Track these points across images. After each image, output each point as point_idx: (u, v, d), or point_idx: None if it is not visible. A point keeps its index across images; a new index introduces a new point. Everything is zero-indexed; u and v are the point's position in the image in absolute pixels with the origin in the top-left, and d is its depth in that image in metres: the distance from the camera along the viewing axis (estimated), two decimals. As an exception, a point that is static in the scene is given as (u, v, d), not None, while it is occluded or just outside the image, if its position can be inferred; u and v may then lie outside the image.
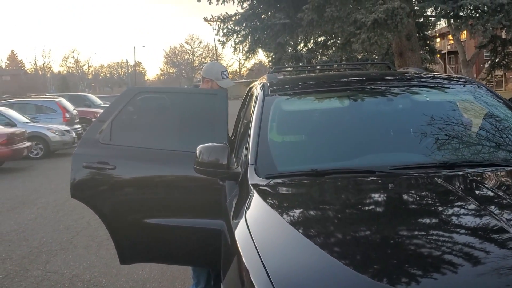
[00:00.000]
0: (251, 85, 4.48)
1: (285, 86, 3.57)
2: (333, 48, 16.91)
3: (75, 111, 20.68)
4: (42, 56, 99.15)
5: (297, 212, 2.22)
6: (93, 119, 23.31)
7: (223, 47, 19.96)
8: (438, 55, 28.34)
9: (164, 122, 4.04)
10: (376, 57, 16.73)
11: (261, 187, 2.45)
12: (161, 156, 3.78)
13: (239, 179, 2.73)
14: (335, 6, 11.89)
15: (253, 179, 2.55)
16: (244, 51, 15.50)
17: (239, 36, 15.21)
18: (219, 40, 15.44)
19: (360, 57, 16.34)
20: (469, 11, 10.74)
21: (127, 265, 5.40)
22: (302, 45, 16.77)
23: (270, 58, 17.76)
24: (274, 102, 3.18)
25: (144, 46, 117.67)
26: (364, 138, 2.92)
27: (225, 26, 15.67)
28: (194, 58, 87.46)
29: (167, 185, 3.83)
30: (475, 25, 10.63)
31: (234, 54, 18.91)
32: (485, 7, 10.31)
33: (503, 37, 14.57)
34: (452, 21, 11.85)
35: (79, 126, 20.21)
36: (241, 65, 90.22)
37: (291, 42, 14.80)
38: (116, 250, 3.97)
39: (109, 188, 3.85)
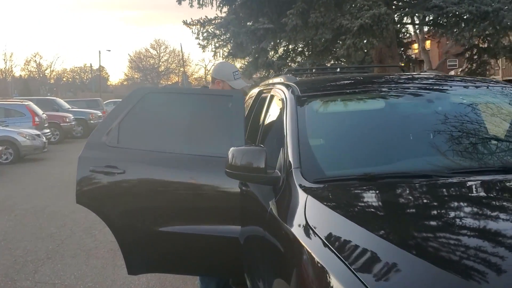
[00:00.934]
0: (262, 88, 4.29)
1: (316, 88, 3.44)
2: (306, 55, 16.82)
3: (44, 115, 20.05)
4: (4, 60, 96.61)
5: (368, 216, 2.06)
6: (62, 124, 22.72)
7: (203, 51, 19.79)
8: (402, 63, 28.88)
9: (176, 124, 3.88)
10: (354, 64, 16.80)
11: (315, 191, 2.29)
12: (174, 160, 3.64)
13: (280, 183, 2.61)
14: (319, 12, 11.87)
15: (302, 183, 2.43)
16: (224, 56, 15.31)
17: (220, 40, 15.05)
18: (199, 43, 15.25)
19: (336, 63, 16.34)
20: (454, 18, 10.83)
21: (122, 275, 5.17)
22: (272, 52, 16.61)
23: (244, 64, 17.62)
24: (308, 104, 3.05)
25: (109, 51, 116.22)
26: (413, 141, 2.79)
27: (205, 30, 15.52)
28: (160, 63, 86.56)
29: (180, 191, 3.65)
30: (460, 32, 10.75)
31: (214, 58, 18.57)
32: (470, 14, 10.41)
33: (480, 46, 14.81)
34: (434, 28, 11.93)
35: (48, 130, 19.60)
36: (207, 71, 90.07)
37: (276, 47, 14.69)
38: (124, 259, 3.81)
39: (119, 193, 3.69)
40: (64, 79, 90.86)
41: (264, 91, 4.13)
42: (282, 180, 2.61)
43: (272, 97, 3.67)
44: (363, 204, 2.26)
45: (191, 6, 13.79)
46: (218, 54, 15.04)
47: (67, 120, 23.20)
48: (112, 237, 4.26)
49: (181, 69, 79.76)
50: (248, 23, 12.91)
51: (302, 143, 2.71)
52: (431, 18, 11.65)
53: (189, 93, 4.34)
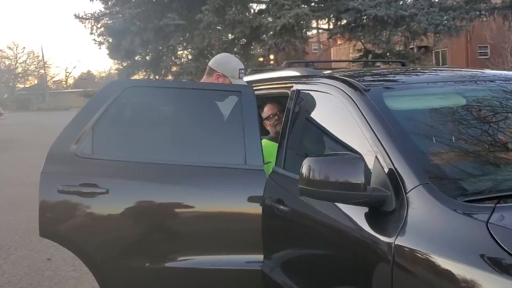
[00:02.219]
0: (270, 86, 3.60)
1: (382, 83, 2.98)
2: (188, 57, 16.27)
3: None
4: None
5: None
6: None
7: (100, 48, 18.08)
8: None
9: (169, 127, 3.25)
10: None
11: (491, 215, 1.74)
12: (173, 174, 2.91)
13: (393, 205, 2.01)
14: (237, 9, 11.48)
15: (453, 205, 1.86)
16: (122, 53, 14.15)
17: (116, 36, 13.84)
18: (94, 40, 13.96)
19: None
20: (372, 22, 11.09)
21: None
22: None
23: (122, 66, 16.41)
24: (384, 98, 2.50)
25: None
26: None
27: (100, 25, 14.26)
28: (17, 64, 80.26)
29: (184, 214, 2.95)
30: (378, 35, 11.04)
31: (110, 57, 16.90)
32: (389, 18, 10.72)
33: (375, 51, 15.44)
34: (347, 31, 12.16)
35: None
36: (67, 74, 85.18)
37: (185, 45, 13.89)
38: None
39: (101, 221, 2.93)
40: None
41: (282, 88, 3.35)
42: (397, 201, 2.01)
43: (308, 94, 3.02)
44: None
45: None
46: (113, 49, 13.81)
47: None
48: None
49: (41, 71, 74.62)
50: (156, 22, 11.97)
51: (411, 150, 2.17)
52: (344, 21, 11.82)
53: (184, 87, 3.53)
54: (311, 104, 3.02)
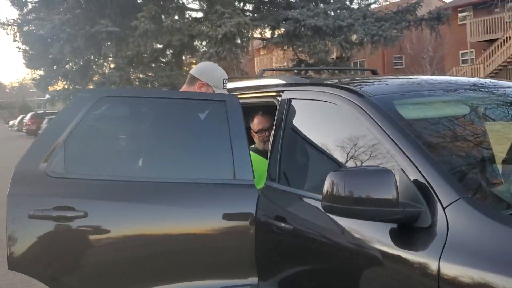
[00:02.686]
0: (258, 95, 3.38)
1: (391, 91, 2.82)
2: (111, 66, 15.82)
3: None
4: None
5: None
6: None
7: (25, 56, 16.45)
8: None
9: (151, 140, 2.97)
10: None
11: None
12: (159, 193, 2.69)
13: (430, 222, 1.90)
14: (174, 17, 11.26)
15: (496, 218, 1.82)
16: (47, 61, 13.44)
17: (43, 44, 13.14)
18: (18, 48, 13.13)
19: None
20: (310, 32, 11.28)
21: None
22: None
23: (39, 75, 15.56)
24: (396, 107, 2.37)
25: None
26: None
27: (24, 31, 13.43)
28: None
29: (175, 236, 2.69)
30: (317, 45, 11.25)
31: (27, 66, 15.62)
32: (327, 28, 10.96)
33: (308, 61, 15.78)
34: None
35: None
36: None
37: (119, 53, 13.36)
38: None
39: (80, 248, 2.62)
40: None
41: (268, 97, 3.13)
42: (433, 217, 1.89)
43: (302, 103, 2.85)
44: None
45: None
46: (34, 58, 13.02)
47: None
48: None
49: None
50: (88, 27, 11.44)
51: (443, 163, 2.08)
52: (282, 30, 11.96)
53: (164, 96, 3.20)
54: (309, 114, 2.82)
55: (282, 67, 17.16)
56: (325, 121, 2.72)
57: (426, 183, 1.93)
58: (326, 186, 1.95)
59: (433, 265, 1.78)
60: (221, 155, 2.78)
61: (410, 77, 3.60)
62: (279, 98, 2.91)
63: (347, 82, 2.92)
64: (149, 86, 14.16)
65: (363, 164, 2.26)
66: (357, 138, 2.38)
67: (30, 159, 2.69)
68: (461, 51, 28.45)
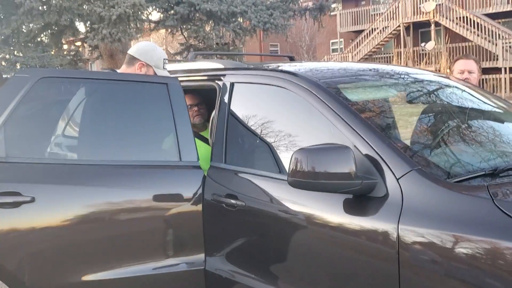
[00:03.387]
0: (201, 77, 3.29)
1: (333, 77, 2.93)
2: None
3: None
4: None
5: None
6: None
7: None
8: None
9: (94, 122, 2.95)
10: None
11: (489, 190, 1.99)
12: (104, 174, 2.71)
13: (383, 191, 2.12)
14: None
15: (445, 185, 2.06)
16: None
17: None
18: None
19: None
20: (205, 16, 11.50)
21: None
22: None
23: None
24: (342, 91, 2.63)
25: None
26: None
27: None
28: None
29: (123, 218, 2.74)
30: (212, 30, 11.52)
31: None
32: (222, 14, 11.28)
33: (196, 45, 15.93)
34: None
35: None
36: None
37: None
38: None
39: (28, 234, 2.61)
40: None
41: (207, 80, 3.20)
42: (387, 187, 2.11)
43: (247, 87, 2.96)
44: None
45: None
46: None
47: None
48: None
49: None
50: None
51: (393, 139, 2.37)
52: (173, 13, 12.02)
53: (105, 78, 3.10)
54: (255, 97, 2.93)
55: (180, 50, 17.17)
56: (273, 104, 2.83)
57: (380, 158, 2.16)
58: (292, 163, 2.13)
59: (392, 230, 2.00)
60: (166, 138, 2.86)
61: (341, 63, 4.01)
62: (219, 82, 2.99)
63: (287, 67, 3.05)
64: (18, 67, 13.39)
65: (315, 143, 2.29)
66: (307, 119, 2.57)
67: None
68: (331, 41, 30.16)
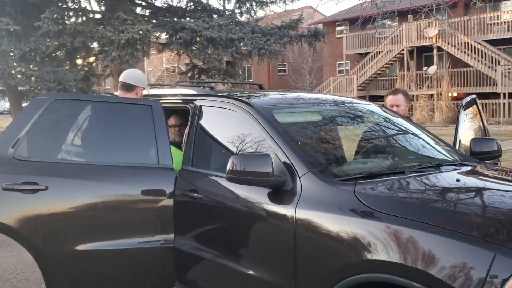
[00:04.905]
0: (177, 100, 4.25)
1: (268, 103, 3.81)
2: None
3: None
4: None
5: (424, 199, 2.82)
6: None
7: None
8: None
9: (95, 133, 3.86)
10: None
11: (354, 186, 2.80)
12: (99, 172, 3.55)
13: (291, 186, 2.95)
14: (77, 19, 12.16)
15: (329, 182, 2.88)
16: None
17: None
18: None
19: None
20: (206, 42, 12.82)
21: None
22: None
23: None
24: (274, 115, 3.44)
25: None
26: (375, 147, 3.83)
27: None
28: None
29: (112, 205, 3.56)
30: (212, 54, 12.80)
31: None
32: (221, 40, 12.57)
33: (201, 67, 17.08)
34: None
35: None
36: None
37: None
38: (46, 286, 3.62)
39: (41, 213, 3.46)
40: None
41: (183, 103, 4.09)
42: (294, 183, 2.93)
43: (209, 109, 3.82)
44: (407, 191, 2.94)
45: None
46: None
47: None
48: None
49: None
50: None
51: (295, 149, 3.13)
52: (177, 38, 13.30)
53: (105, 101, 4.10)
54: (214, 117, 3.79)
55: (179, 71, 18.52)
56: (225, 122, 3.73)
57: (290, 163, 3.02)
58: (229, 165, 2.96)
59: (291, 212, 2.85)
60: (149, 146, 3.67)
61: (287, 93, 4.63)
62: (191, 105, 3.88)
63: (241, 95, 3.95)
64: (33, 80, 14.75)
65: (250, 151, 3.27)
66: (247, 134, 3.42)
67: (0, 146, 3.56)
68: (338, 62, 31.33)
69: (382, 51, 26.61)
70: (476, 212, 2.61)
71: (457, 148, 4.49)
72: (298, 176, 2.94)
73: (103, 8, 13.79)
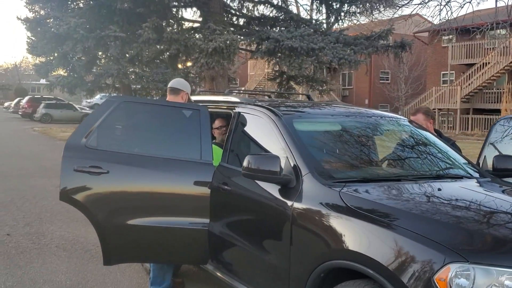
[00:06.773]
0: (221, 106, 4.86)
1: (291, 112, 4.34)
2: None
3: None
4: None
5: (396, 200, 3.23)
6: None
7: (34, 58, 19.29)
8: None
9: (150, 131, 4.46)
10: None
11: (342, 187, 3.22)
12: (152, 162, 4.13)
13: (294, 184, 3.43)
14: (173, 28, 13.67)
15: (325, 183, 3.32)
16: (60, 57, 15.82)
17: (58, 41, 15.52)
18: (27, 49, 15.54)
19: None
20: (287, 51, 13.79)
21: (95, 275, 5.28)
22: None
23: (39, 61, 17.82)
24: (294, 124, 3.90)
25: None
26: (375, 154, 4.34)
27: (39, 29, 15.88)
28: None
29: (163, 190, 4.16)
30: (293, 62, 13.73)
31: (29, 52, 18.26)
32: (302, 49, 13.47)
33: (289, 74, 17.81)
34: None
35: None
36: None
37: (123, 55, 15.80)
38: (102, 252, 4.21)
39: (102, 192, 4.10)
40: None
41: (227, 109, 4.68)
42: (297, 181, 3.40)
43: (245, 116, 4.36)
44: (386, 194, 3.31)
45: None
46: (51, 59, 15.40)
47: None
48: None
49: None
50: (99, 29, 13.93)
51: (307, 153, 3.60)
52: (262, 47, 14.34)
53: (162, 104, 4.76)
54: (247, 122, 4.38)
55: (269, 77, 19.64)
56: (254, 127, 4.36)
57: (296, 164, 3.53)
58: (245, 162, 3.50)
59: (290, 204, 3.37)
60: (194, 144, 4.27)
61: (319, 105, 5.35)
62: (233, 111, 4.55)
63: (272, 104, 4.49)
64: (144, 80, 16.77)
65: (269, 153, 3.83)
66: (269, 138, 3.97)
67: (76, 136, 4.18)
68: (442, 72, 30.60)
69: (489, 62, 25.81)
70: (429, 215, 2.96)
71: (481, 163, 4.98)
72: (301, 175, 3.45)
73: (199, 18, 15.31)
